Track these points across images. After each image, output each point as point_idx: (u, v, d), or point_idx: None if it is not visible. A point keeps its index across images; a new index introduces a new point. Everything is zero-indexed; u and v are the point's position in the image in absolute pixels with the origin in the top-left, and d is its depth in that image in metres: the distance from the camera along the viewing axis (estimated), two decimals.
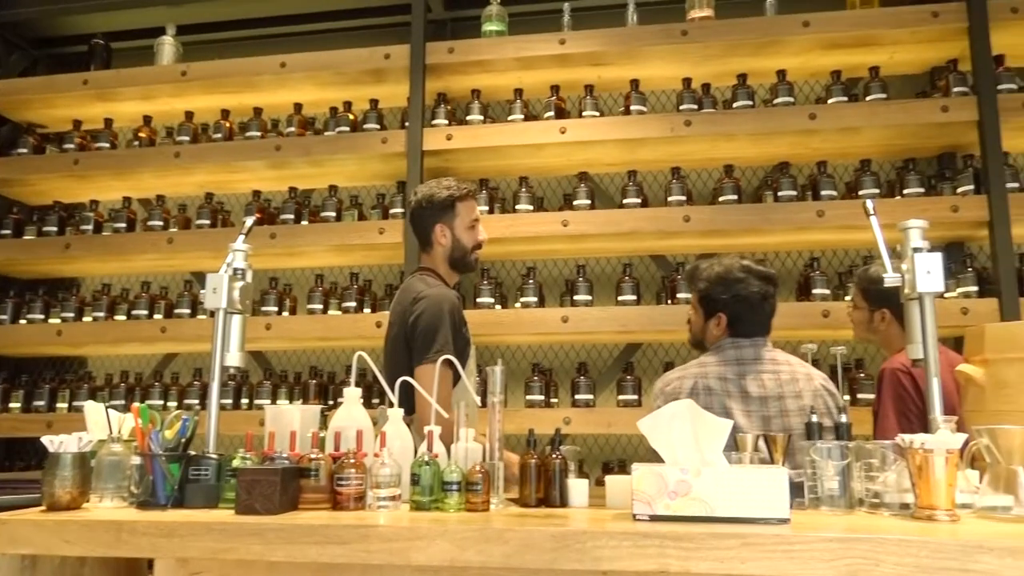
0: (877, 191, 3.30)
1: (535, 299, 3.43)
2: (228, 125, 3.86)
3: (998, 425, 1.48)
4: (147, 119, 3.96)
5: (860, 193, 3.29)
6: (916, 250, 1.68)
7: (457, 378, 2.16)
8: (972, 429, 1.55)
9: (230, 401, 3.57)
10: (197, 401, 3.62)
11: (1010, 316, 3.00)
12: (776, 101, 3.39)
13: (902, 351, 2.25)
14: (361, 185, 4.02)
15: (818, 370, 2.07)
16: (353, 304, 3.55)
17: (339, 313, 3.56)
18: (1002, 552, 1.18)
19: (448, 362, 1.99)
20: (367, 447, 1.65)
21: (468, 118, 3.58)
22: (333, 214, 3.64)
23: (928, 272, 1.65)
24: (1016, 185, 3.15)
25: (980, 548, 1.19)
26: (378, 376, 1.94)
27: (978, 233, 3.27)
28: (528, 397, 3.37)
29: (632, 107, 3.50)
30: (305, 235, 3.56)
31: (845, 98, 3.34)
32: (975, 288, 3.13)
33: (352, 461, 1.57)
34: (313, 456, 1.58)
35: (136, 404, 1.91)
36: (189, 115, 3.89)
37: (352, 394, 1.77)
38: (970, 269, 3.20)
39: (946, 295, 3.17)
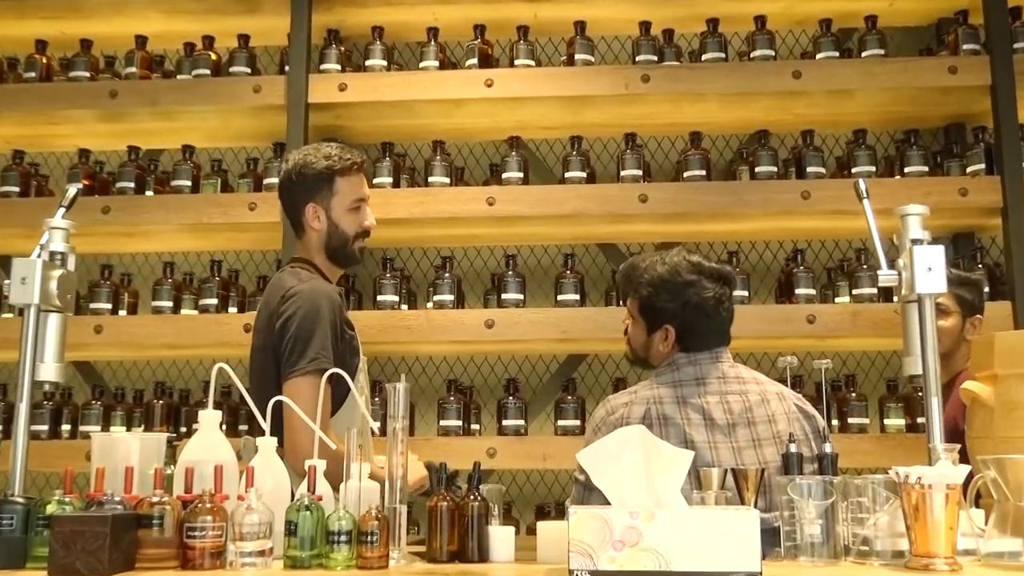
0: (872, 169, 3.43)
1: (451, 297, 3.43)
2: (45, 61, 3.72)
3: (1007, 455, 1.55)
4: None
5: (853, 171, 3.42)
6: (915, 241, 1.75)
7: (342, 397, 2.15)
8: (977, 459, 1.63)
9: (45, 427, 3.44)
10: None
11: None
12: (754, 54, 3.49)
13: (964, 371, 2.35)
14: (226, 146, 3.95)
15: (791, 388, 2.12)
16: (214, 301, 3.49)
17: (195, 313, 3.49)
18: None
19: (328, 375, 1.97)
20: (228, 487, 1.62)
21: (367, 63, 3.55)
22: (188, 183, 3.57)
23: (929, 269, 1.71)
24: None
25: None
26: (245, 395, 1.90)
27: (990, 222, 3.45)
28: (442, 422, 3.37)
29: (577, 56, 3.53)
30: (150, 210, 3.47)
31: (836, 53, 3.47)
32: (985, 289, 3.29)
33: (208, 506, 1.54)
34: (156, 499, 1.54)
35: None
36: None
37: (210, 418, 1.73)
38: (980, 265, 3.37)
39: None
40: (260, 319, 2.28)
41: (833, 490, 1.61)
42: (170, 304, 3.51)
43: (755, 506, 1.69)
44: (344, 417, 2.15)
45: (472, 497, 1.72)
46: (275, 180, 3.46)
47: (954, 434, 2.51)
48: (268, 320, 2.22)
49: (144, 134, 3.72)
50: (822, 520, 1.58)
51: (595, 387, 3.73)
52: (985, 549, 1.57)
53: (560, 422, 3.39)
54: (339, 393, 2.12)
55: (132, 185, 3.58)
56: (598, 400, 3.64)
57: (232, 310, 3.54)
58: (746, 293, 3.41)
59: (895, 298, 1.82)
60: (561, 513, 3.37)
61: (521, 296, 3.43)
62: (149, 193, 3.61)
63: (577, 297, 3.41)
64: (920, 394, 2.46)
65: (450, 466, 1.84)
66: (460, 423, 3.38)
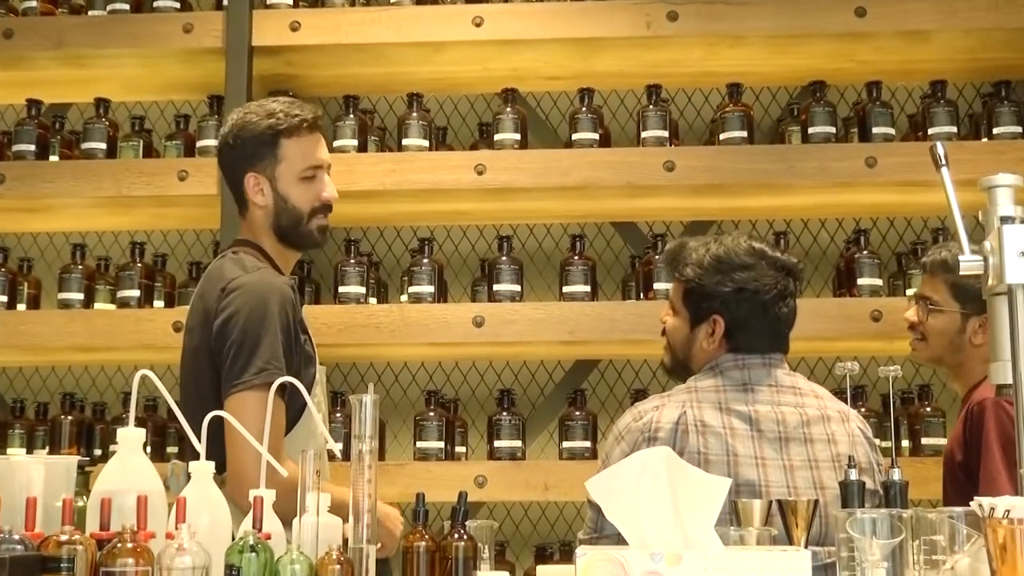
0: (954, 129, 3.43)
1: (431, 288, 3.43)
2: None
3: None
4: None
5: (929, 132, 3.42)
6: (1005, 219, 1.75)
7: (295, 414, 2.16)
8: None
9: None
10: None
11: None
12: None
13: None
14: (150, 100, 3.94)
15: (852, 400, 2.15)
16: (136, 293, 3.49)
17: (112, 307, 3.49)
18: None
19: (281, 388, 1.96)
20: (154, 523, 1.62)
21: None
22: (102, 146, 3.56)
23: (1022, 253, 1.72)
24: None
25: None
26: (174, 410, 1.90)
27: None
28: (420, 444, 3.38)
29: None
30: (55, 179, 3.46)
31: None
32: None
33: (129, 546, 1.54)
34: (64, 538, 1.55)
35: None
36: None
37: (131, 438, 1.72)
38: None
39: None
40: (194, 316, 2.28)
41: (902, 526, 1.61)
42: (81, 296, 3.50)
43: (805, 545, 1.70)
44: (298, 439, 2.15)
45: (457, 535, 1.72)
46: (211, 143, 3.46)
47: (953, 468, 2.53)
48: (204, 318, 2.23)
49: (47, 84, 3.71)
50: (888, 563, 1.59)
51: (609, 400, 3.73)
52: None
53: (565, 443, 3.39)
54: (292, 410, 2.13)
55: (32, 148, 3.57)
56: (613, 416, 3.70)
57: (158, 304, 3.53)
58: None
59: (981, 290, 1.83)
60: (566, 555, 3.38)
61: (518, 287, 3.43)
62: (54, 158, 3.60)
63: (587, 289, 3.41)
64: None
65: (430, 498, 1.85)
66: (442, 445, 3.37)
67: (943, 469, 2.65)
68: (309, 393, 2.12)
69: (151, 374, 1.81)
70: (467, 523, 1.75)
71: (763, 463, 2.00)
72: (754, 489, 1.98)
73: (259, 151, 2.30)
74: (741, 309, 2.13)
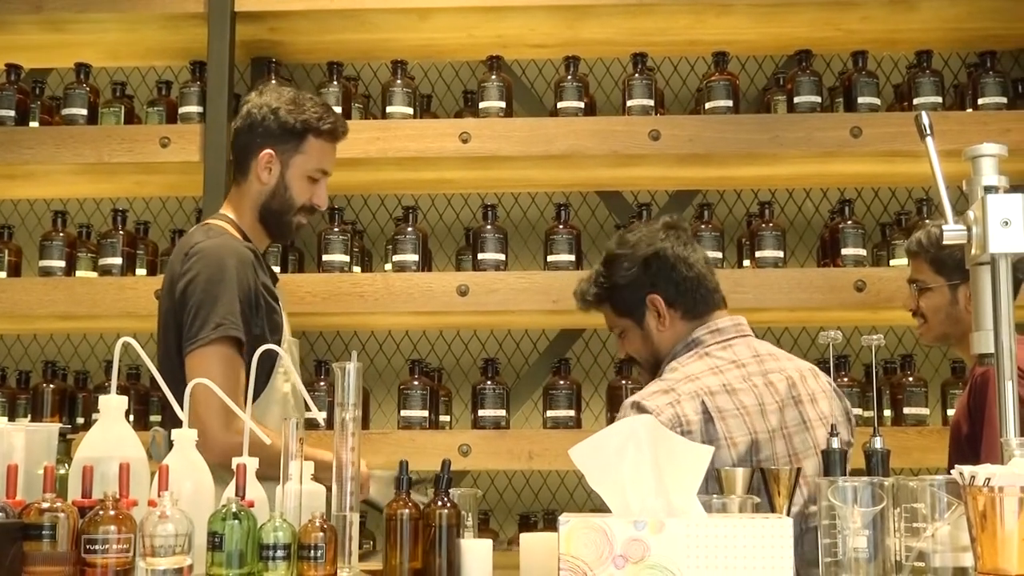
0: (939, 100, 3.44)
1: (415, 257, 3.42)
2: None
3: None
4: None
5: (914, 102, 3.43)
6: (989, 189, 1.75)
7: (264, 379, 2.20)
8: None
9: None
10: None
11: None
12: None
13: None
14: (131, 66, 3.91)
15: (834, 369, 2.22)
16: (118, 261, 3.47)
17: (94, 275, 3.48)
18: None
19: (236, 343, 2.08)
20: (137, 490, 1.62)
21: None
22: (83, 112, 3.54)
23: (1005, 223, 1.72)
24: None
25: None
26: (157, 377, 1.90)
27: None
28: (404, 412, 3.38)
29: None
30: (35, 145, 3.44)
31: None
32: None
33: (112, 513, 1.54)
34: (46, 505, 1.54)
35: None
36: None
37: (113, 406, 1.73)
38: None
39: None
40: (164, 283, 2.37)
41: (883, 494, 1.62)
42: (62, 264, 3.49)
43: (787, 513, 1.72)
44: (263, 408, 2.18)
45: (440, 504, 1.73)
46: (194, 109, 3.48)
47: (959, 440, 2.56)
48: (170, 284, 2.31)
49: (27, 49, 3.68)
50: (869, 531, 1.60)
51: (593, 369, 3.75)
52: None
53: (550, 412, 3.40)
54: (260, 375, 2.14)
55: (12, 114, 3.54)
56: (597, 386, 3.72)
57: (140, 272, 3.52)
58: (781, 254, 3.42)
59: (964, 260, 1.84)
60: (550, 523, 3.40)
61: (502, 256, 3.43)
62: (34, 124, 3.57)
63: (572, 258, 3.41)
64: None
65: (414, 466, 1.85)
66: (426, 413, 3.38)
67: (949, 440, 2.67)
68: (276, 360, 2.15)
69: (133, 342, 1.81)
70: (451, 491, 1.76)
71: (773, 436, 2.07)
72: (772, 463, 2.03)
73: (285, 136, 2.41)
74: (659, 275, 2.20)
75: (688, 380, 2.11)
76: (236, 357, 2.16)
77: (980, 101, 3.43)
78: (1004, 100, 3.42)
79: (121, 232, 3.53)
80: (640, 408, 2.08)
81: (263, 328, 2.27)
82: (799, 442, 2.08)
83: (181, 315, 2.23)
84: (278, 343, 2.29)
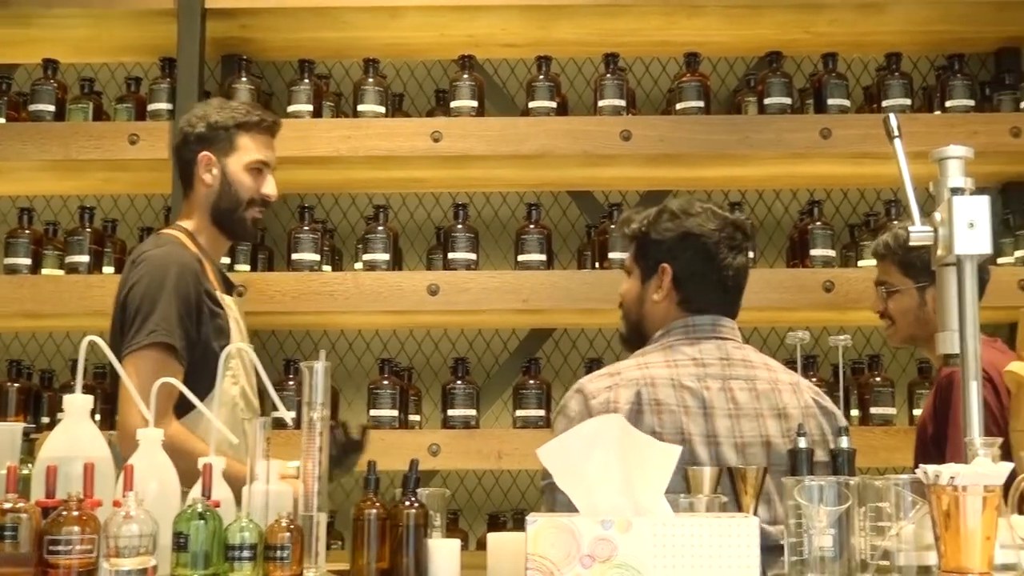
0: (907, 102, 3.47)
1: (386, 256, 3.41)
2: None
3: None
4: None
5: (883, 104, 3.45)
6: (955, 191, 1.77)
7: (210, 385, 2.17)
8: (1022, 456, 1.67)
9: None
10: None
11: None
12: None
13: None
14: (100, 62, 3.89)
15: (802, 370, 2.16)
16: (85, 259, 3.46)
17: (60, 272, 3.46)
18: None
19: (170, 350, 2.17)
20: (101, 491, 1.61)
21: None
22: (51, 108, 3.52)
23: (971, 224, 1.73)
24: None
25: None
26: (122, 376, 1.89)
27: None
28: (373, 412, 3.37)
29: None
30: (1, 141, 3.42)
31: None
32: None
33: (75, 514, 1.52)
34: (8, 506, 1.53)
35: None
36: None
37: (78, 405, 1.71)
38: None
39: (998, 260, 3.38)
40: (117, 290, 2.43)
41: (849, 493, 1.63)
42: (28, 262, 3.47)
43: (754, 513, 1.72)
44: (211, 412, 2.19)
45: (408, 503, 1.72)
46: (163, 106, 3.46)
47: (926, 440, 2.58)
48: (119, 291, 2.39)
49: None
50: (835, 529, 1.60)
51: (563, 369, 3.75)
52: None
53: (519, 412, 3.40)
54: (205, 380, 2.13)
55: None
56: (567, 385, 3.68)
57: (108, 270, 3.50)
58: (750, 254, 3.43)
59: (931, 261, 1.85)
60: (519, 523, 3.40)
61: (473, 256, 3.43)
62: (0, 121, 3.54)
63: (543, 257, 3.41)
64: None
65: (382, 465, 1.85)
66: (395, 413, 3.38)
67: (915, 441, 2.69)
68: (209, 365, 2.15)
69: (99, 340, 1.80)
70: (419, 491, 1.75)
71: (715, 442, 2.01)
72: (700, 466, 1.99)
73: (216, 135, 2.48)
74: (687, 254, 2.13)
75: (637, 368, 2.08)
76: (169, 362, 2.22)
77: (948, 103, 3.46)
78: (972, 103, 3.45)
79: (88, 230, 3.51)
80: (580, 390, 2.08)
81: (207, 334, 2.34)
82: (752, 456, 1.99)
83: (124, 321, 2.31)
84: (223, 346, 2.28)
